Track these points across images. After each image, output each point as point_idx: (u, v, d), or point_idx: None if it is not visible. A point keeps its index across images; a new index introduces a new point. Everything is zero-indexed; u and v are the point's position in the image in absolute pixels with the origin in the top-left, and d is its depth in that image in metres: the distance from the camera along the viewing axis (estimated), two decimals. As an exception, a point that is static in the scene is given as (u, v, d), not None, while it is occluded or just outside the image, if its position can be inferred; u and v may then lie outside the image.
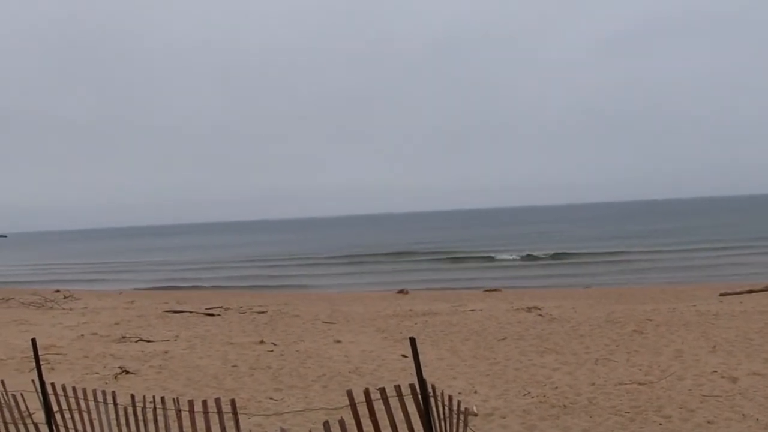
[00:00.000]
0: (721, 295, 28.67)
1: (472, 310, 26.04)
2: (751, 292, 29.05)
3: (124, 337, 21.28)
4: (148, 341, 20.57)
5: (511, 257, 67.99)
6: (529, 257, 67.54)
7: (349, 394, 7.47)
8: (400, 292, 37.82)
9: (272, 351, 18.62)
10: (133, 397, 8.70)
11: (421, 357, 7.12)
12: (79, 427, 9.02)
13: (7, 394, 9.43)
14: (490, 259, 68.75)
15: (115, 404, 8.71)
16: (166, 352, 18.59)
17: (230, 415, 7.72)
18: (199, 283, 55.44)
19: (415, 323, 23.42)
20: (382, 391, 7.33)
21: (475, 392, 13.49)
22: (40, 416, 9.54)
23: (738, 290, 29.67)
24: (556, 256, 67.55)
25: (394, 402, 7.52)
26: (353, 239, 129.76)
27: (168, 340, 20.74)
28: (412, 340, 7.13)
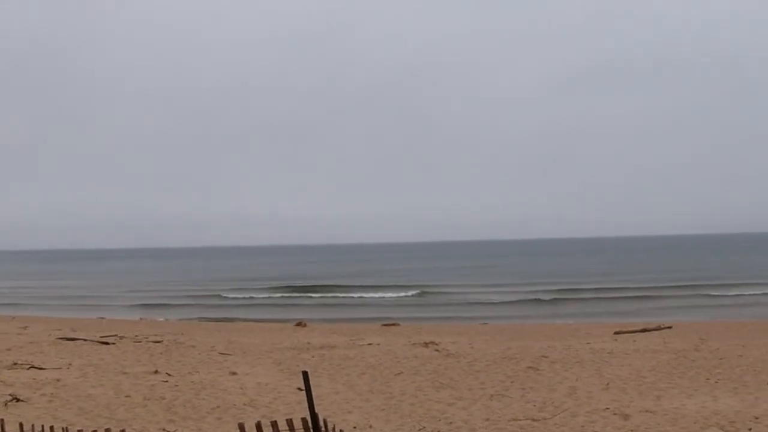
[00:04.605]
0: (616, 333, 29.50)
1: (370, 344, 26.14)
2: (644, 330, 30.04)
3: (15, 364, 20.65)
4: (40, 368, 20.02)
5: (406, 294, 68.06)
6: (424, 293, 68.01)
7: (241, 427, 7.52)
8: (298, 324, 37.65)
9: (167, 381, 18.36)
10: (21, 425, 8.54)
11: (316, 390, 7.24)
12: (-38, 456, 8.80)
13: None
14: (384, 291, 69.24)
15: (2, 433, 8.53)
16: (58, 380, 18.13)
17: (120, 446, 7.67)
18: (96, 310, 54.13)
19: (312, 356, 23.39)
20: (274, 424, 7.41)
21: (370, 427, 13.59)
22: None
23: (632, 329, 30.60)
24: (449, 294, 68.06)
25: (286, 435, 7.60)
26: (262, 269, 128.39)
27: (60, 368, 20.22)
28: (305, 374, 7.25)
